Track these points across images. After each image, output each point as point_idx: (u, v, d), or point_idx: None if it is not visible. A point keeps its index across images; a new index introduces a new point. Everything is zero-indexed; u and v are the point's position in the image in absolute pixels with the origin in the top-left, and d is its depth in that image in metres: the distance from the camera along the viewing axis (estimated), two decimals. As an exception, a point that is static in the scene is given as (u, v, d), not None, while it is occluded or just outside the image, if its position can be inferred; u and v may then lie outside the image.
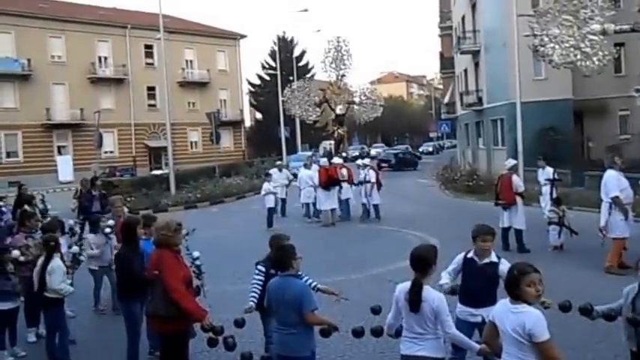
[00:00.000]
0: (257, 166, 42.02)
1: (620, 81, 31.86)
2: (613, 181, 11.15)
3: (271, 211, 19.57)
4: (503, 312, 4.41)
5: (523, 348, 4.23)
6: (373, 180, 19.87)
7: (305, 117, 25.20)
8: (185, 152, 56.84)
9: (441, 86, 70.38)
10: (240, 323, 6.41)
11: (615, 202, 11.02)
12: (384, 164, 46.77)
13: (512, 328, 4.26)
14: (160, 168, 50.24)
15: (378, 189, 20.12)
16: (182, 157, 52.45)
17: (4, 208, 15.28)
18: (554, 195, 15.48)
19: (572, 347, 5.42)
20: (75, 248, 8.72)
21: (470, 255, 6.16)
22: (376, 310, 6.22)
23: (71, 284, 7.78)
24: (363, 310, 6.88)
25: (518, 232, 13.86)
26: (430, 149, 67.73)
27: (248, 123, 72.46)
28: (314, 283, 6.62)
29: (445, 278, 6.15)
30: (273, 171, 22.92)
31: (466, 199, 26.22)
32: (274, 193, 20.23)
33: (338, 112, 23.95)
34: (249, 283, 6.79)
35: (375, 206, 20.12)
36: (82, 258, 8.84)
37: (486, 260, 6.05)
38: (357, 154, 45.03)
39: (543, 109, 30.74)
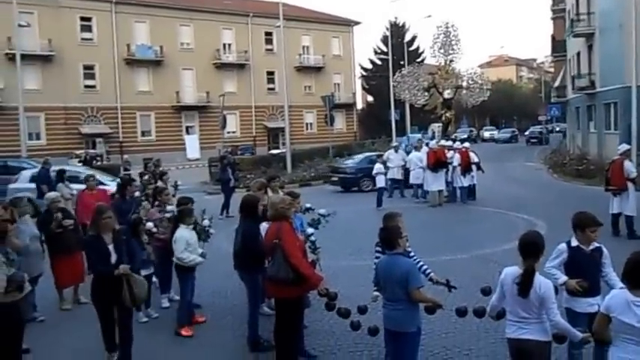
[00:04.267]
0: (368, 147, 42.97)
1: None
2: None
3: (382, 191, 20.25)
4: (623, 304, 4.23)
5: None
6: (456, 163, 20.20)
7: (414, 101, 25.72)
8: (301, 133, 58.84)
9: (551, 69, 68.23)
10: (363, 310, 6.51)
11: None
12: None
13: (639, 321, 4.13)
14: (277, 147, 52.45)
15: (465, 172, 20.27)
16: (298, 137, 54.28)
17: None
18: None
19: None
20: (205, 222, 8.89)
21: (575, 243, 5.91)
22: (486, 292, 6.12)
23: (202, 255, 8.22)
24: (467, 290, 7.05)
25: (629, 219, 13.43)
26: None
27: (360, 105, 73.63)
28: (428, 270, 6.68)
29: (560, 274, 5.88)
30: (390, 152, 23.21)
31: (575, 183, 25.77)
32: (385, 173, 20.95)
33: (446, 96, 24.34)
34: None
35: (463, 188, 20.36)
36: (211, 231, 8.95)
37: (592, 246, 5.88)
38: (465, 136, 45.42)
39: (662, 93, 29.22)
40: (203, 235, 8.72)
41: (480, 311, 5.93)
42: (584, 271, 5.75)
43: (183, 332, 8.11)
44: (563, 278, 5.82)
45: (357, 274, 9.33)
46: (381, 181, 20.58)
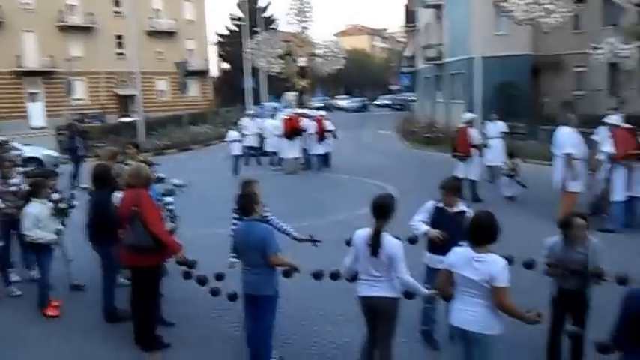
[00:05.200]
0: (223, 115, 42.73)
1: (577, 38, 31.62)
2: (566, 138, 11.33)
3: (237, 159, 20.29)
4: (465, 260, 4.60)
5: (485, 293, 4.47)
6: (311, 131, 20.42)
7: (269, 68, 25.61)
8: (153, 100, 56.83)
9: (404, 40, 71.10)
10: (220, 276, 6.59)
11: (567, 160, 11.24)
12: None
13: (478, 275, 4.48)
14: (128, 115, 50.55)
15: (320, 140, 20.67)
16: (150, 105, 52.41)
17: None
18: (506, 148, 15.94)
19: (522, 291, 5.44)
20: (55, 195, 8.29)
21: (440, 204, 6.28)
22: (349, 243, 5.83)
23: (57, 232, 7.89)
24: (323, 254, 7.18)
25: (473, 183, 14.44)
26: (388, 102, 69.82)
27: (216, 73, 72.50)
28: (290, 230, 6.94)
29: (422, 225, 6.24)
30: (245, 120, 23.31)
31: (425, 150, 26.93)
32: (239, 141, 20.94)
33: (301, 64, 24.47)
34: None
35: (318, 156, 20.78)
36: (62, 206, 8.29)
37: (456, 209, 6.22)
38: (320, 104, 46.37)
39: (503, 64, 31.06)
40: (56, 211, 8.16)
41: (335, 274, 6.24)
42: (444, 230, 6.09)
43: (50, 312, 7.76)
44: (425, 228, 6.20)
45: (214, 241, 9.27)
46: (236, 149, 20.54)
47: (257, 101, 45.31)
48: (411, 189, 14.55)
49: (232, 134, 21.03)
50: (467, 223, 5.06)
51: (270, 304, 5.95)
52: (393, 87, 66.91)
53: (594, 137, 12.75)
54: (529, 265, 6.29)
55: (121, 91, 56.39)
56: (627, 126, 11.74)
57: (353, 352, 6.00)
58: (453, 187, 6.34)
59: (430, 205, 6.35)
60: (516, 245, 6.62)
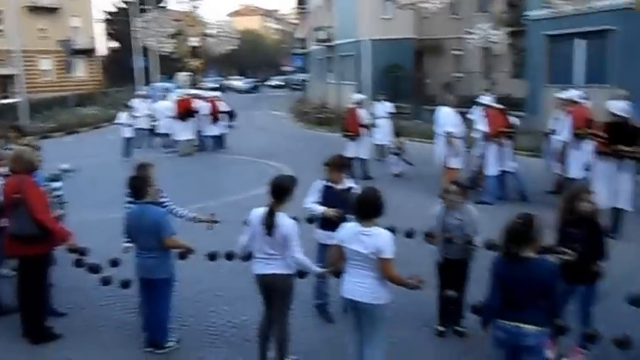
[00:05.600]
0: (113, 96, 41.41)
1: (454, 23, 32.90)
2: (446, 118, 12.04)
3: (128, 141, 19.76)
4: (353, 235, 4.81)
5: (373, 265, 4.68)
6: (204, 112, 20.33)
7: (160, 48, 25.10)
8: (36, 81, 53.88)
9: (297, 21, 71.49)
10: (115, 262, 6.56)
11: (447, 138, 11.94)
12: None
13: (366, 248, 4.70)
14: (8, 97, 47.90)
15: (214, 121, 20.61)
16: (33, 85, 49.80)
17: None
18: (393, 128, 16.55)
19: (408, 262, 5.62)
20: None
21: (327, 183, 6.43)
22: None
23: None
24: (218, 235, 7.23)
25: (363, 161, 15.01)
26: (281, 83, 70.38)
27: (104, 52, 69.78)
28: (186, 212, 6.91)
29: (317, 206, 6.38)
30: (136, 101, 22.50)
31: (317, 130, 27.41)
32: (130, 125, 20.29)
33: (193, 44, 24.16)
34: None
35: (213, 137, 20.82)
36: None
37: (342, 186, 6.38)
38: (215, 85, 45.86)
39: (389, 47, 32.16)
40: None
41: (230, 254, 6.41)
42: (333, 207, 6.25)
43: None
44: (322, 209, 6.34)
45: (107, 227, 9.10)
46: (127, 131, 19.98)
47: (148, 82, 44.18)
48: (304, 168, 14.76)
49: (123, 116, 20.43)
50: (353, 199, 5.17)
51: (166, 287, 5.98)
52: (286, 68, 67.03)
53: (470, 116, 13.52)
54: (409, 234, 6.77)
55: (0, 71, 53.23)
56: (498, 106, 12.72)
57: (251, 330, 6.12)
58: (336, 164, 6.47)
59: (319, 184, 6.49)
60: (402, 218, 6.98)
